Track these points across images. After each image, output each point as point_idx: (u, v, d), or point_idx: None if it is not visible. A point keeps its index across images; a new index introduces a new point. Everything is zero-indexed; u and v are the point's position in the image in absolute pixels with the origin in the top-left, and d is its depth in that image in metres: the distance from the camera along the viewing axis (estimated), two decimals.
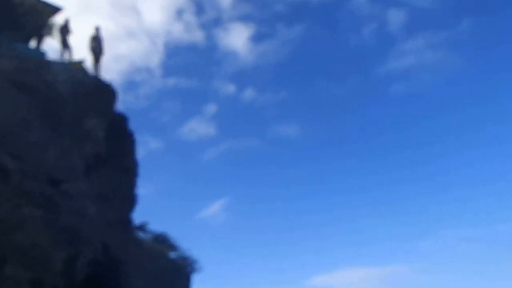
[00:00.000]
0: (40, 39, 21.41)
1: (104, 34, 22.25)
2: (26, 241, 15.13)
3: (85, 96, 19.52)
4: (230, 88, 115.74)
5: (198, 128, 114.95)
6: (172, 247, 39.57)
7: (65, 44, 21.33)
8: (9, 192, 15.32)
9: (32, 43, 21.56)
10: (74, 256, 16.83)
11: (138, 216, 37.87)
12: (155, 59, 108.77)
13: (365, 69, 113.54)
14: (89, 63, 21.43)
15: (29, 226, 15.30)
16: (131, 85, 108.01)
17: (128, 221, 23.95)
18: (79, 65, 20.67)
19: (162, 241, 38.67)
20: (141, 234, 36.33)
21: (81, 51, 22.16)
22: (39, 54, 20.06)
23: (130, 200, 23.46)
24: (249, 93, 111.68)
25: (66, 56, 21.22)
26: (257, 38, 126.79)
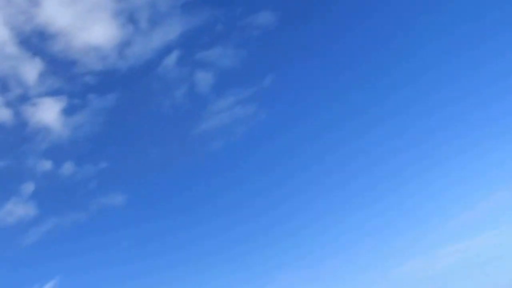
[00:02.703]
0: None
1: None
2: None
3: None
4: (47, 164, 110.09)
5: (16, 209, 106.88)
6: None
7: None
8: None
9: None
10: None
11: None
12: None
13: (183, 130, 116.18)
14: None
15: None
16: None
17: None
18: None
19: None
20: None
21: None
22: None
23: None
24: (67, 167, 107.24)
25: None
26: (69, 111, 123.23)
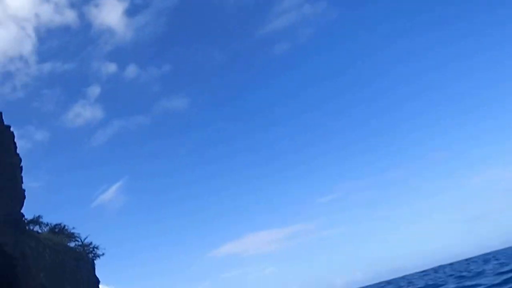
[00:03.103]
0: None
1: None
2: None
3: None
4: (111, 67, 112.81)
5: (83, 112, 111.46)
6: (71, 236, 39.28)
7: None
8: None
9: None
10: None
11: (31, 209, 37.23)
12: (27, 46, 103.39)
13: (247, 31, 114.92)
14: None
15: None
16: (5, 76, 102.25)
17: (19, 217, 23.76)
18: None
19: (60, 231, 38.25)
20: (36, 228, 35.72)
21: None
22: None
23: (17, 196, 23.25)
24: (131, 70, 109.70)
25: None
26: (132, 12, 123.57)
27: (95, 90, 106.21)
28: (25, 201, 24.00)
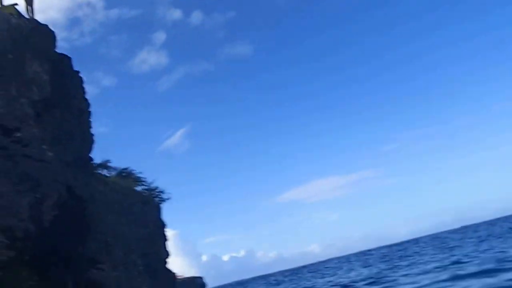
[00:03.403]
0: None
1: None
2: None
3: (23, 41, 19.11)
4: (176, 13, 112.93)
5: (149, 58, 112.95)
6: (138, 180, 40.22)
7: None
8: None
9: None
10: (39, 201, 17.19)
11: (100, 154, 38.20)
12: None
13: None
14: (22, 5, 20.76)
15: None
16: (74, 21, 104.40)
17: (88, 161, 24.21)
18: (12, 9, 19.99)
19: (127, 176, 39.19)
20: (104, 172, 36.67)
21: None
22: None
23: (86, 140, 23.61)
24: (196, 16, 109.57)
25: None
26: None
27: (160, 36, 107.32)
28: (94, 146, 24.41)
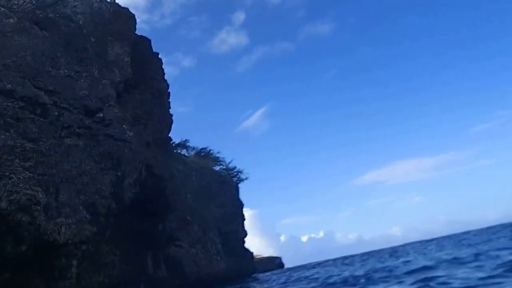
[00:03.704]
0: None
1: None
2: (73, 170, 16.05)
3: (105, 25, 19.75)
4: None
5: (228, 38, 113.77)
6: (216, 160, 40.88)
7: None
8: (50, 126, 16.06)
9: None
10: (120, 179, 17.83)
11: (180, 133, 39.03)
12: None
13: None
14: None
15: (73, 156, 16.16)
16: (154, 3, 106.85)
17: (167, 140, 24.82)
18: None
19: (206, 155, 39.91)
20: (183, 151, 37.54)
21: None
22: None
23: (165, 120, 24.19)
24: None
25: None
26: None
27: (240, 16, 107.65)
28: (173, 125, 24.98)
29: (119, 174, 17.70)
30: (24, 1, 16.97)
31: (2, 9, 16.13)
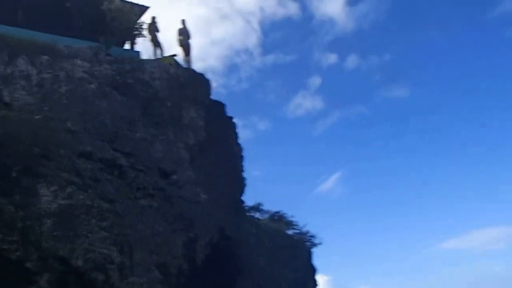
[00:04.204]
0: (132, 40, 22.67)
1: (197, 20, 23.18)
2: (147, 230, 16.34)
3: (180, 89, 20.50)
4: (332, 58, 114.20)
5: (304, 103, 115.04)
6: (289, 224, 40.36)
7: (155, 42, 22.42)
8: (126, 188, 16.58)
9: (126, 46, 22.90)
10: (192, 240, 17.92)
11: (254, 197, 39.09)
12: (252, 39, 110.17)
13: (474, 13, 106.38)
14: (180, 56, 22.40)
15: (147, 217, 16.50)
16: (231, 68, 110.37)
17: (240, 203, 24.87)
18: (171, 59, 21.66)
19: (279, 219, 39.55)
20: (256, 215, 37.43)
21: (172, 45, 23.20)
22: (134, 55, 21.30)
23: (239, 183, 24.33)
24: (352, 60, 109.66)
25: (158, 53, 22.31)
26: (353, 1, 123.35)
27: (315, 81, 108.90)
28: (247, 189, 25.07)
29: (191, 235, 17.82)
30: (105, 68, 17.99)
31: (85, 75, 17.16)
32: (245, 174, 25.17)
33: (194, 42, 22.81)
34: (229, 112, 24.67)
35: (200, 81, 22.01)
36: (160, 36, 22.77)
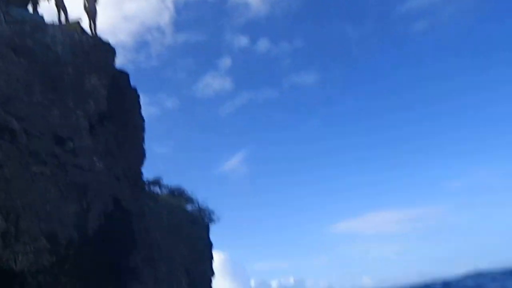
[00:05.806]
0: (35, 3, 21.63)
1: None
2: (37, 198, 15.89)
3: (84, 56, 19.91)
4: (243, 40, 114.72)
5: (213, 83, 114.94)
6: (189, 199, 40.58)
7: (60, 6, 21.54)
8: (17, 152, 15.98)
9: (29, 8, 21.83)
10: (85, 209, 17.64)
11: (157, 172, 38.78)
12: (165, 17, 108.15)
13: (384, 9, 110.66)
14: (85, 23, 21.69)
15: (38, 184, 16.03)
16: (142, 44, 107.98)
17: (138, 175, 24.68)
18: (75, 25, 20.94)
19: (178, 194, 39.63)
20: (156, 189, 37.28)
21: (76, 12, 22.37)
22: (36, 18, 20.34)
23: (139, 155, 24.13)
24: (263, 44, 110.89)
25: (62, 18, 21.47)
26: None
27: (226, 62, 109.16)
28: (151, 165, 24.93)
29: (84, 205, 17.53)
30: (3, 28, 17.11)
31: None
32: (150, 151, 25.06)
33: (104, 16, 22.16)
34: (136, 87, 24.34)
35: (105, 49, 21.47)
36: (66, 1, 21.91)
